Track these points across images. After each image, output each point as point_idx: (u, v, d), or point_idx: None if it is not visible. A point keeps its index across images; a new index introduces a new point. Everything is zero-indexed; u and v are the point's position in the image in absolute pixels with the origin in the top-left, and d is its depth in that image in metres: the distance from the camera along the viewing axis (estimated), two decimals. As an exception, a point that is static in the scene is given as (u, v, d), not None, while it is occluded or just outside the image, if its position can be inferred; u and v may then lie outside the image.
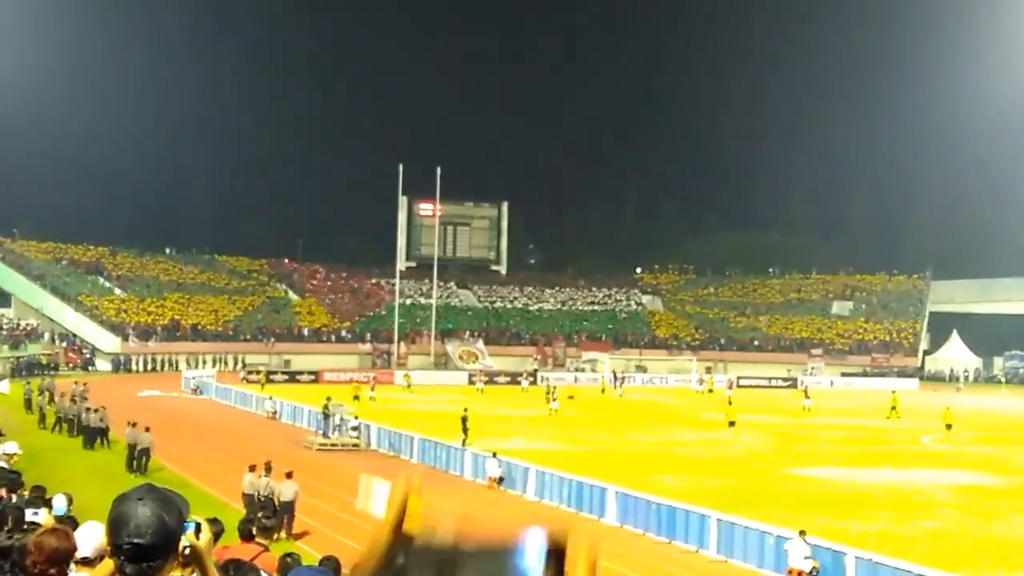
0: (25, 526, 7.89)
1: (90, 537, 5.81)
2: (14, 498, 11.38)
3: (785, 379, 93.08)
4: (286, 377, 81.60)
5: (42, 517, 8.62)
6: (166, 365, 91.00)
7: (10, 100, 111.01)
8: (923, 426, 57.71)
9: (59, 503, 11.70)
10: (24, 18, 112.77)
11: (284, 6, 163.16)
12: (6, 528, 7.66)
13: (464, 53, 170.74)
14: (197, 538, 3.68)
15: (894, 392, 68.54)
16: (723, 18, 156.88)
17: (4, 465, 13.95)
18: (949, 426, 54.16)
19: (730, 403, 55.55)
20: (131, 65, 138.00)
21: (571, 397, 68.61)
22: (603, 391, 78.44)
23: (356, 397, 61.84)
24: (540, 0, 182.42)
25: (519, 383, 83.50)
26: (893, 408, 63.47)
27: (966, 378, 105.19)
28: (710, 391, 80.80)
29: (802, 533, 22.21)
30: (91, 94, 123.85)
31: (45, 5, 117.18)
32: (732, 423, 51.97)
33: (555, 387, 67.41)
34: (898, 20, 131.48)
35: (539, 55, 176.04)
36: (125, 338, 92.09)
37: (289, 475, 25.25)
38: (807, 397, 67.95)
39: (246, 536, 12.30)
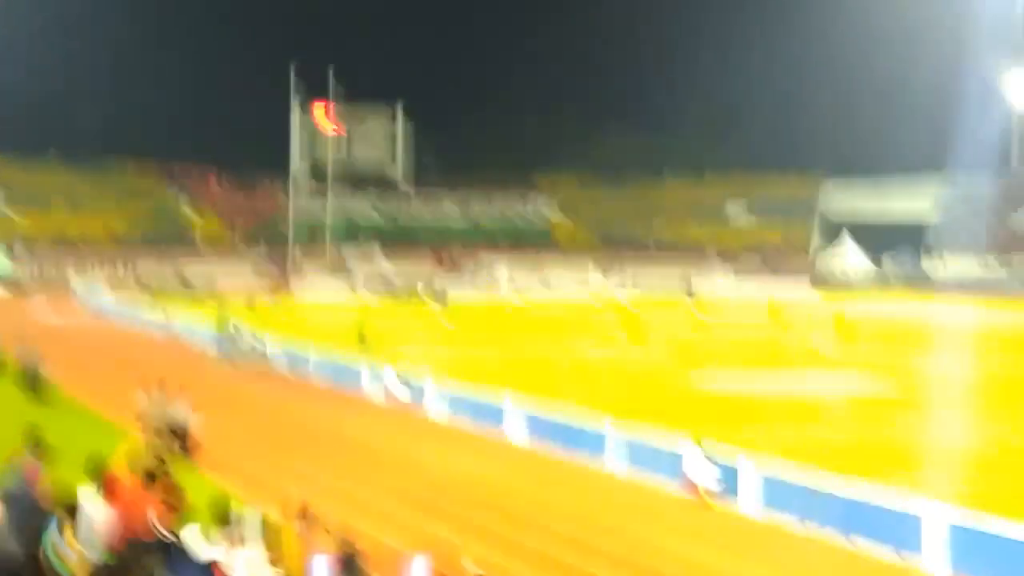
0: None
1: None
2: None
3: (682, 284, 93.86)
4: (181, 287, 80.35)
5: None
6: (57, 279, 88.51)
7: None
8: (815, 332, 58.64)
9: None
10: None
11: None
12: None
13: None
14: None
15: (772, 299, 69.36)
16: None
17: None
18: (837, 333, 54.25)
19: (630, 314, 55.72)
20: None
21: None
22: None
23: (250, 307, 61.22)
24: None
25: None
26: (774, 316, 64.05)
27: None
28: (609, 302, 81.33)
29: (699, 443, 22.16)
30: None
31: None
32: (631, 336, 52.23)
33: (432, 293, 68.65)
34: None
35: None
36: (12, 251, 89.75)
37: (183, 395, 24.81)
38: (695, 309, 68.45)
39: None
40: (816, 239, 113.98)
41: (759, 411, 32.48)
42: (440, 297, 73.03)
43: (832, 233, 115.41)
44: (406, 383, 33.34)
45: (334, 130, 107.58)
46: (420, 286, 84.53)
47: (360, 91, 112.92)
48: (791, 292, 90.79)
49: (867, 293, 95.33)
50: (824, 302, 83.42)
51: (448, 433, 29.30)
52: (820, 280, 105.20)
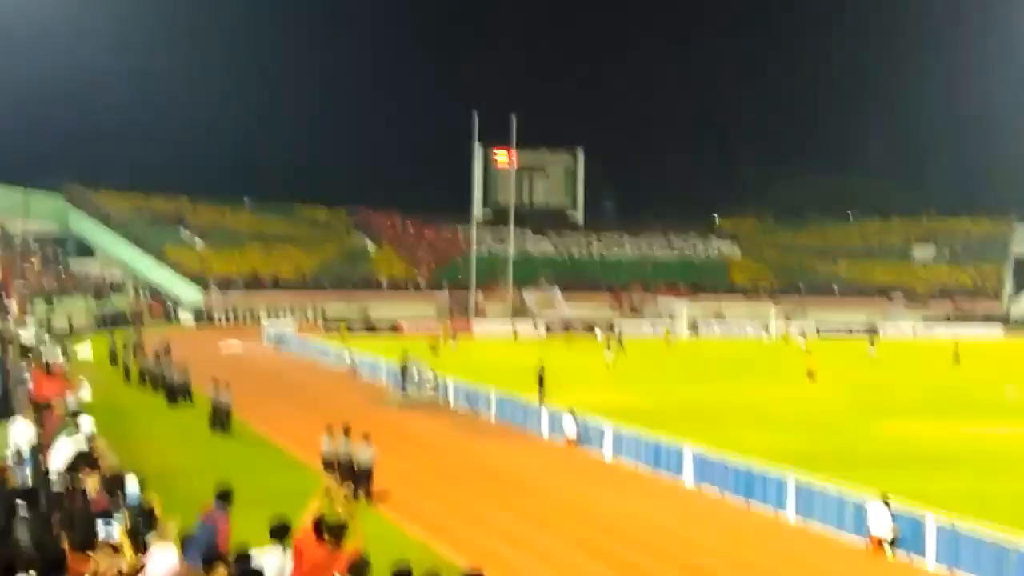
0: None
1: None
2: (90, 484, 11.49)
3: (866, 326, 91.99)
4: (365, 328, 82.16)
5: (114, 532, 8.68)
6: (247, 317, 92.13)
7: (93, 53, 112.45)
8: (1007, 376, 56.82)
9: (131, 488, 11.85)
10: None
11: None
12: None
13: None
14: None
15: (956, 341, 67.55)
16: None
17: (82, 440, 14.09)
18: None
19: (809, 352, 54.89)
20: (210, 15, 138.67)
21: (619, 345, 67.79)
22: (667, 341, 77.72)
23: (433, 347, 62.20)
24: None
25: (594, 332, 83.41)
26: (956, 357, 62.58)
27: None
28: (786, 342, 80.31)
29: (885, 498, 21.87)
30: (171, 45, 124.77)
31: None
32: (811, 373, 51.40)
33: (611, 336, 68.11)
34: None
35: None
36: (206, 289, 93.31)
37: (367, 438, 25.40)
38: (872, 345, 67.27)
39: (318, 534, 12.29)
40: (1009, 283, 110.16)
41: (940, 459, 31.59)
42: (619, 338, 73.05)
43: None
44: (582, 425, 33.47)
45: (515, 172, 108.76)
46: (599, 327, 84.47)
47: (542, 135, 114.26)
48: (981, 336, 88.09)
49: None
50: (1017, 347, 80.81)
51: (623, 476, 29.31)
52: (1013, 325, 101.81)
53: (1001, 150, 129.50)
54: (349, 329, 75.84)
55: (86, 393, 32.61)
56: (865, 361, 63.64)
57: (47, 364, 38.87)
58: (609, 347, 60.75)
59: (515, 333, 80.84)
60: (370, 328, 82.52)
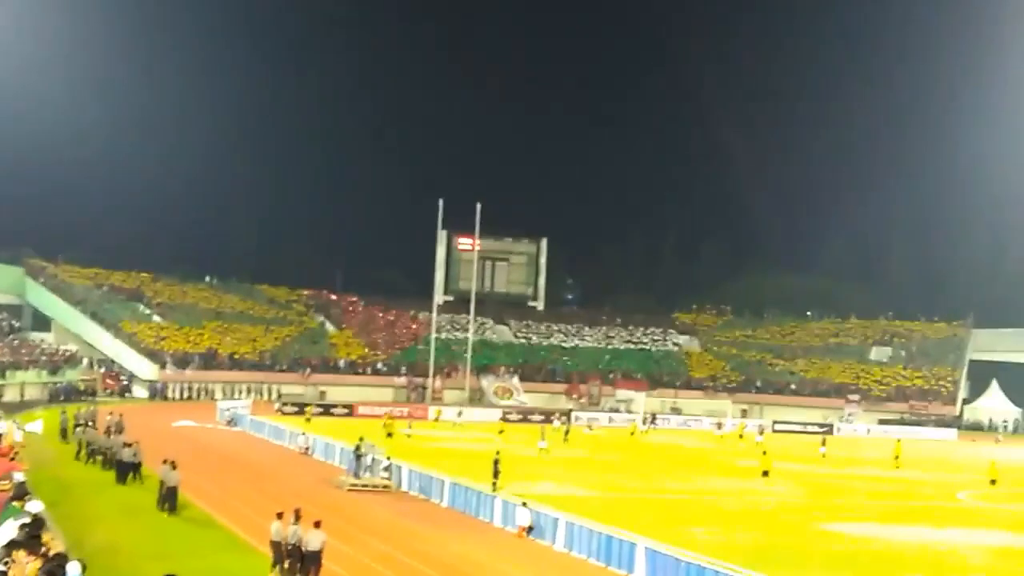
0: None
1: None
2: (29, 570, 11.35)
3: (821, 425, 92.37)
4: (320, 409, 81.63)
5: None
6: (202, 394, 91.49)
7: (54, 128, 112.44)
8: (960, 480, 57.19)
9: (73, 571, 11.69)
10: (66, 47, 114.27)
11: (326, 41, 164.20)
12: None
13: (507, 90, 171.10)
14: None
15: (899, 440, 68.08)
16: (766, 64, 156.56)
17: (27, 521, 13.89)
18: (993, 481, 53.48)
19: (764, 453, 54.98)
20: (173, 95, 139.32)
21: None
22: (632, 433, 77.70)
23: (389, 434, 61.82)
24: (581, 38, 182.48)
25: (551, 422, 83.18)
26: (896, 457, 63.07)
27: (1005, 428, 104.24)
28: (740, 436, 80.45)
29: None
30: (133, 123, 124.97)
31: (88, 35, 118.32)
32: (766, 472, 51.46)
33: (549, 426, 69.06)
34: (938, 66, 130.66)
35: (580, 93, 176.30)
36: (163, 366, 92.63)
37: (317, 524, 25.14)
38: (823, 445, 67.65)
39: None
40: (963, 387, 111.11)
41: (888, 561, 31.60)
42: (565, 426, 73.46)
43: (980, 380, 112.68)
44: (534, 515, 33.28)
45: (478, 259, 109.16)
46: (556, 416, 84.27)
47: (505, 224, 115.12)
48: (935, 439, 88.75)
49: (1016, 441, 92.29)
50: (970, 447, 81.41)
51: (573, 569, 29.12)
52: (967, 426, 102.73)
53: (959, 255, 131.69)
54: (309, 415, 75.01)
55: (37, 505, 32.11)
56: (817, 459, 63.78)
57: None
58: (544, 436, 60.74)
59: (459, 417, 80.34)
60: (325, 410, 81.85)
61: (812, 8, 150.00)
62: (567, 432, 71.44)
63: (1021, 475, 60.32)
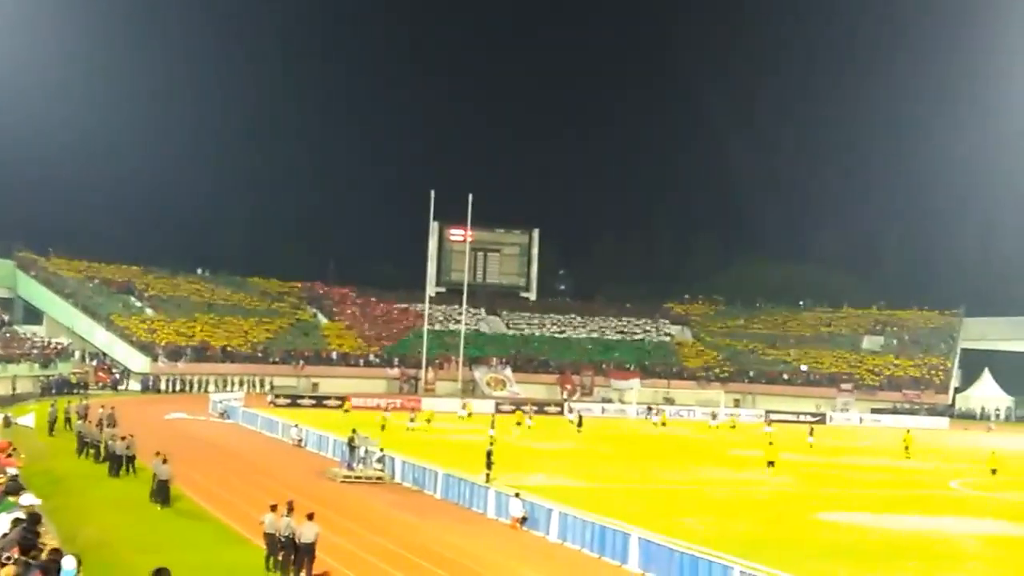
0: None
1: None
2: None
3: (814, 414, 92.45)
4: (313, 401, 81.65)
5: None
6: (195, 386, 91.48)
7: (47, 122, 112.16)
8: (953, 469, 57.29)
9: (68, 565, 11.61)
10: (58, 41, 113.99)
11: (317, 34, 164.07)
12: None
13: (498, 80, 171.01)
14: None
15: (908, 431, 68.08)
16: (761, 54, 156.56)
17: (21, 515, 13.80)
18: (994, 471, 53.31)
19: (771, 443, 54.91)
20: (167, 88, 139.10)
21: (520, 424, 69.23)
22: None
23: (383, 427, 61.77)
24: (576, 29, 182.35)
25: (545, 412, 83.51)
26: (907, 447, 63.10)
27: (997, 417, 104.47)
28: (733, 427, 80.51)
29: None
30: (126, 117, 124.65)
31: (80, 28, 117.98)
32: (771, 463, 51.34)
33: (523, 414, 69.48)
34: (932, 59, 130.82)
35: (574, 83, 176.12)
36: (155, 359, 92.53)
37: (311, 516, 25.07)
38: (811, 435, 67.69)
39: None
40: (956, 375, 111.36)
41: (884, 552, 31.60)
42: (581, 418, 73.62)
43: (972, 369, 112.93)
44: (527, 506, 33.25)
45: (470, 251, 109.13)
46: (568, 406, 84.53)
47: (497, 215, 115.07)
48: (927, 425, 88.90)
49: (1008, 429, 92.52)
50: (963, 436, 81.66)
51: (567, 559, 29.09)
52: (960, 415, 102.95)
53: (950, 245, 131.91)
54: (348, 407, 74.45)
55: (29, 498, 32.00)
56: (805, 448, 63.77)
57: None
58: (519, 423, 60.97)
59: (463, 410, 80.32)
60: (318, 402, 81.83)
61: (805, 4, 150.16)
62: (580, 422, 71.73)
63: (1017, 464, 60.36)
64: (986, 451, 57.77)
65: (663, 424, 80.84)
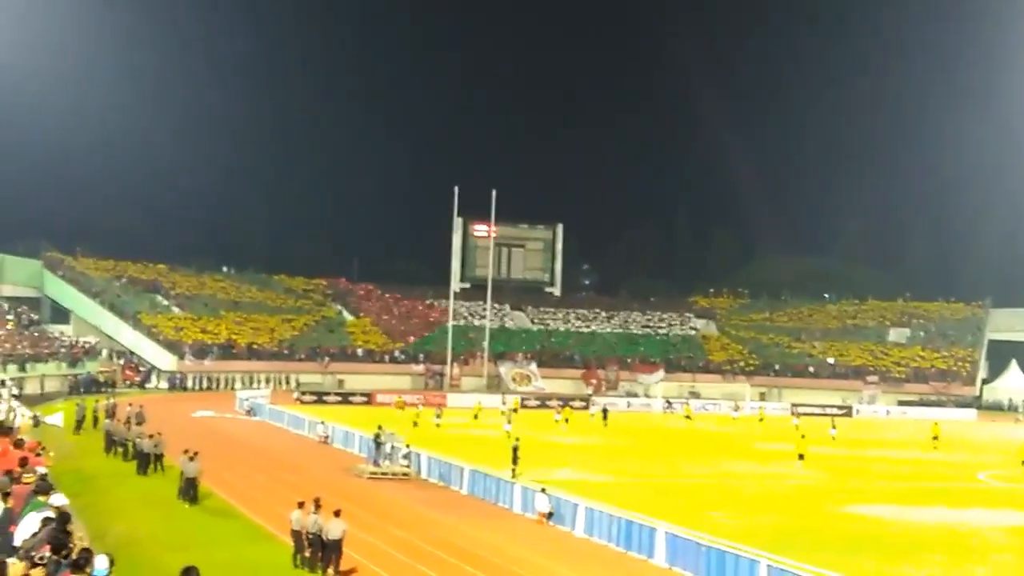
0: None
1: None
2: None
3: (840, 407, 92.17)
4: (339, 398, 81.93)
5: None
6: (222, 384, 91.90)
7: (70, 123, 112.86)
8: (981, 460, 56.99)
9: (100, 564, 11.71)
10: (82, 41, 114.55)
11: (341, 32, 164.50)
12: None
13: (522, 75, 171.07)
14: None
15: (936, 422, 67.75)
16: (783, 48, 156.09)
17: (50, 515, 13.92)
18: (1027, 462, 52.79)
19: (803, 436, 54.75)
20: (191, 88, 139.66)
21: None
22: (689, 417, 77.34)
23: (415, 424, 61.95)
24: (598, 27, 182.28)
25: (570, 407, 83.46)
26: (935, 438, 62.86)
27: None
28: (761, 420, 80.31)
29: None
30: (151, 116, 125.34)
31: (103, 28, 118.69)
32: (801, 456, 51.21)
33: (508, 409, 69.43)
34: (957, 50, 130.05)
35: (598, 79, 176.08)
36: (181, 356, 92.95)
37: (337, 513, 25.21)
38: (833, 427, 67.55)
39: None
40: (983, 367, 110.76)
41: (917, 544, 31.52)
42: (607, 411, 73.76)
43: (999, 360, 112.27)
44: (553, 501, 33.32)
45: (494, 246, 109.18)
46: (574, 402, 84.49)
47: (522, 211, 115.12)
48: (954, 419, 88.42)
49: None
50: (990, 427, 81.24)
51: (593, 554, 29.14)
52: (987, 407, 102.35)
53: (977, 236, 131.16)
54: (512, 409, 73.83)
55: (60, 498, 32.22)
56: (828, 441, 63.48)
57: (19, 438, 38.30)
58: (509, 419, 60.88)
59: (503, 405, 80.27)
60: (344, 398, 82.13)
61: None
62: (605, 416, 71.98)
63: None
64: (1017, 443, 57.42)
65: (688, 417, 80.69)
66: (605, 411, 73.86)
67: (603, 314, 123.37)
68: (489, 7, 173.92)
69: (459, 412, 74.00)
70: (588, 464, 48.31)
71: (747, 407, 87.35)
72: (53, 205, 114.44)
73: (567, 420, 68.97)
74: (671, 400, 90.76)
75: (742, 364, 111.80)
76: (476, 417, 68.99)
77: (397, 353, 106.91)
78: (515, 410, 73.69)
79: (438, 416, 66.47)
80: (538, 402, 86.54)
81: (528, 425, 63.73)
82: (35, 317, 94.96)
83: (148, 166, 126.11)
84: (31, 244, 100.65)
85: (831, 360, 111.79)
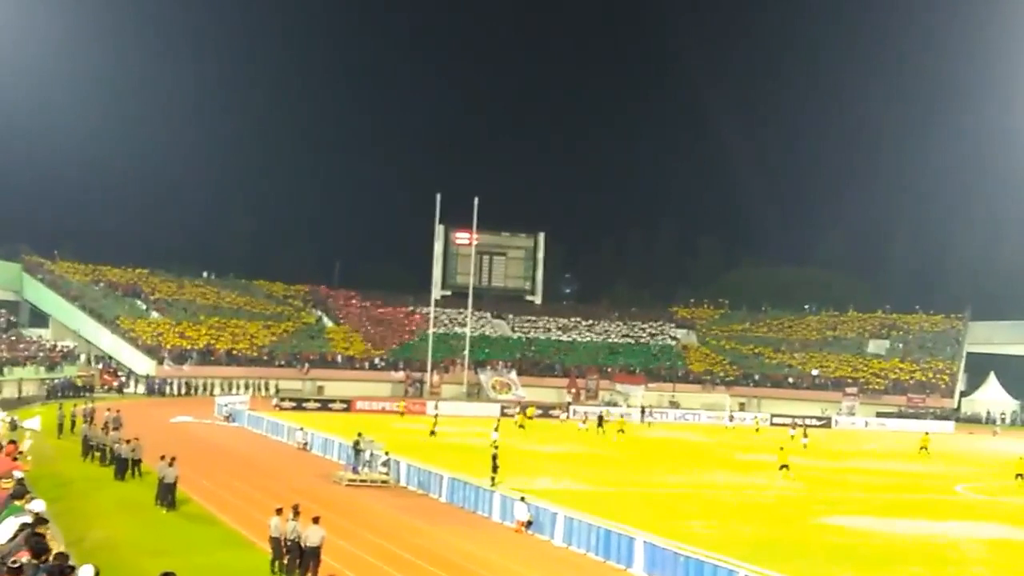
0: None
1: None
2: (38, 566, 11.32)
3: (819, 418, 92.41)
4: (318, 405, 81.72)
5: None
6: (200, 389, 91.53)
7: (53, 126, 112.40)
8: (958, 472, 57.19)
9: (86, 574, 11.65)
10: (62, 44, 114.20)
11: (323, 38, 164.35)
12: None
13: (504, 85, 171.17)
14: None
15: (926, 433, 68.08)
16: (764, 60, 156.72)
17: (28, 521, 13.84)
18: (1020, 476, 52.47)
19: (781, 448, 54.81)
20: (172, 93, 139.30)
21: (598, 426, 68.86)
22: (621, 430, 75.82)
23: (433, 433, 62.13)
24: (581, 35, 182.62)
25: (552, 416, 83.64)
26: (923, 448, 63.20)
27: (1002, 420, 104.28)
28: (756, 431, 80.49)
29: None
30: (132, 121, 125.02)
31: (84, 31, 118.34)
32: (784, 466, 51.22)
33: (501, 419, 70.00)
34: (937, 62, 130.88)
35: (579, 88, 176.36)
36: (160, 361, 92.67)
37: (316, 520, 25.13)
38: (804, 436, 67.83)
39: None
40: (961, 379, 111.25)
41: (895, 556, 31.59)
42: (603, 420, 73.83)
43: (977, 373, 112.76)
44: (532, 509, 33.28)
45: (475, 254, 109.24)
46: (604, 411, 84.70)
47: (503, 219, 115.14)
48: (933, 429, 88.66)
49: (1013, 433, 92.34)
50: (968, 440, 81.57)
51: (572, 563, 29.11)
52: (965, 419, 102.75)
53: (956, 248, 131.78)
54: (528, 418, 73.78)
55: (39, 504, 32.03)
56: (799, 451, 63.42)
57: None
58: (496, 428, 60.64)
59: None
60: (323, 405, 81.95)
61: (808, 5, 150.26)
62: (600, 423, 72.35)
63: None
64: (994, 455, 57.62)
65: (756, 431, 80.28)
66: (600, 419, 73.82)
67: (584, 323, 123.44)
68: (473, 17, 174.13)
69: (448, 421, 73.69)
70: (567, 473, 48.25)
71: (749, 417, 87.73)
72: (33, 208, 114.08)
73: (522, 426, 69.40)
74: (643, 408, 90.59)
75: (722, 374, 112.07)
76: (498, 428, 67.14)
77: (377, 360, 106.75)
78: (530, 418, 75.31)
79: (433, 433, 66.06)
80: (518, 411, 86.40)
81: (510, 433, 63.61)
82: (13, 320, 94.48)
83: (129, 170, 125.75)
84: (10, 247, 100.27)
85: (816, 372, 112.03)
